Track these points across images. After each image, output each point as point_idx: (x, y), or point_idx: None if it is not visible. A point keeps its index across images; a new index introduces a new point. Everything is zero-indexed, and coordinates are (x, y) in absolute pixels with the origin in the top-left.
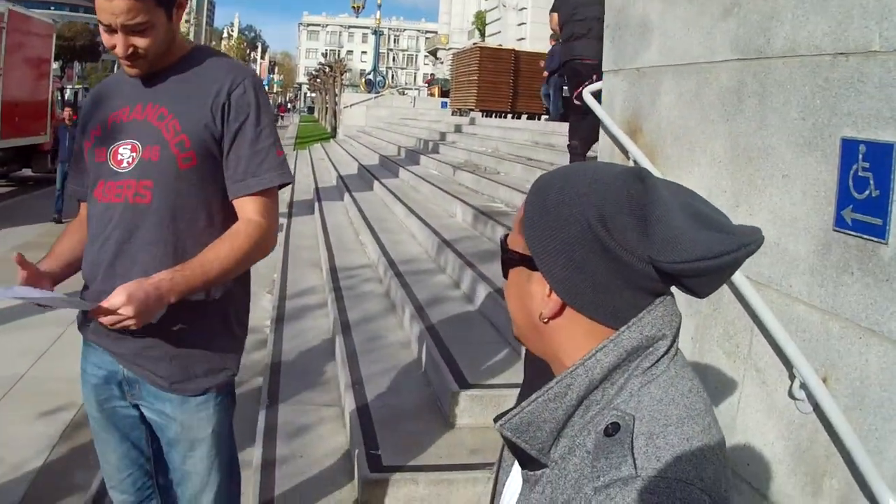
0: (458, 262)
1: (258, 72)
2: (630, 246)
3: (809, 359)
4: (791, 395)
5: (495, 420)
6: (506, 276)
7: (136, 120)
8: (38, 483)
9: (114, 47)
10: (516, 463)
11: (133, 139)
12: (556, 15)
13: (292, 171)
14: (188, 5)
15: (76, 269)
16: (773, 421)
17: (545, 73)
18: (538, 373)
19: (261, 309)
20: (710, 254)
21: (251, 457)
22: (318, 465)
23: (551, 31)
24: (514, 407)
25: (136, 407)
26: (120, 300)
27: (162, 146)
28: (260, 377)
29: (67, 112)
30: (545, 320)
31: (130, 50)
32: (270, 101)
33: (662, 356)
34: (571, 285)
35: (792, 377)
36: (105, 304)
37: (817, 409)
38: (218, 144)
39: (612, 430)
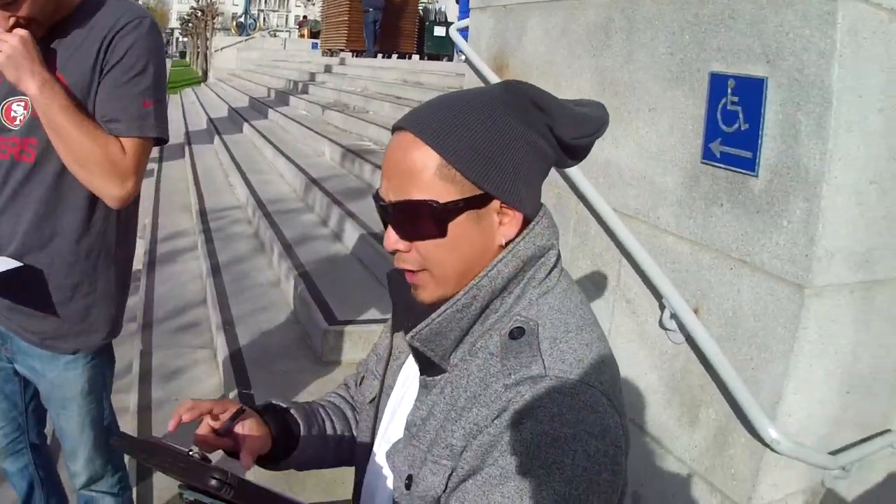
0: (326, 201)
1: None
2: (548, 137)
3: (680, 290)
4: (662, 326)
5: (405, 332)
6: (443, 233)
7: None
8: None
9: None
10: (402, 374)
11: (25, 95)
12: None
13: None
14: None
15: None
16: (646, 351)
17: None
18: (405, 300)
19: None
20: (600, 123)
21: (128, 402)
22: None
23: None
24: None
25: (11, 361)
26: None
27: None
28: (133, 322)
29: None
30: (506, 244)
31: (12, 21)
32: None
33: (553, 268)
34: (530, 198)
35: (662, 307)
36: None
37: (689, 340)
38: None
39: (517, 333)
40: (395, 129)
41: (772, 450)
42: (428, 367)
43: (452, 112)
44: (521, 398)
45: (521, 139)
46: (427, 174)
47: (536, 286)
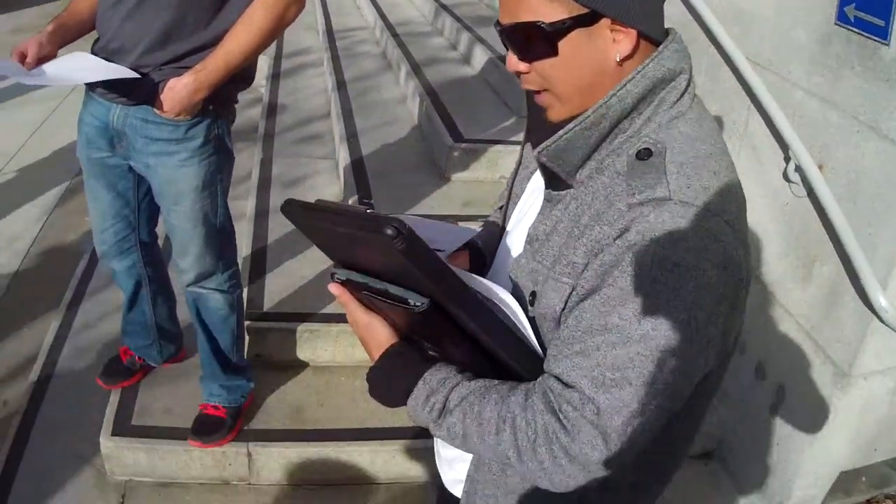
0: (456, 26)
1: None
2: None
3: (806, 144)
4: (786, 177)
5: (533, 147)
6: (554, 52)
7: None
8: (38, 242)
9: None
10: (530, 185)
11: None
12: None
13: None
14: None
15: (91, 27)
16: (767, 201)
17: None
18: (539, 116)
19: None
20: None
21: (245, 208)
22: None
23: None
24: (552, 136)
25: (126, 158)
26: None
27: None
28: (255, 132)
29: None
30: (621, 62)
31: None
32: None
33: (684, 92)
34: (644, 13)
35: (787, 159)
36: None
37: (811, 194)
38: None
39: (644, 154)
40: None
41: (879, 318)
42: (554, 182)
43: None
44: (644, 219)
45: None
46: None
47: (667, 109)
